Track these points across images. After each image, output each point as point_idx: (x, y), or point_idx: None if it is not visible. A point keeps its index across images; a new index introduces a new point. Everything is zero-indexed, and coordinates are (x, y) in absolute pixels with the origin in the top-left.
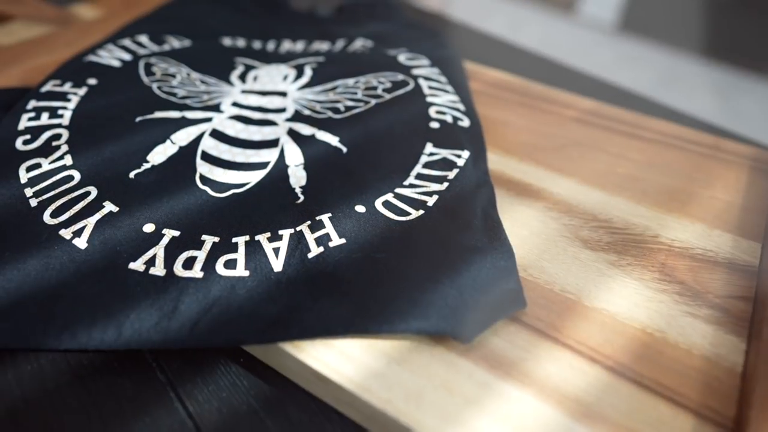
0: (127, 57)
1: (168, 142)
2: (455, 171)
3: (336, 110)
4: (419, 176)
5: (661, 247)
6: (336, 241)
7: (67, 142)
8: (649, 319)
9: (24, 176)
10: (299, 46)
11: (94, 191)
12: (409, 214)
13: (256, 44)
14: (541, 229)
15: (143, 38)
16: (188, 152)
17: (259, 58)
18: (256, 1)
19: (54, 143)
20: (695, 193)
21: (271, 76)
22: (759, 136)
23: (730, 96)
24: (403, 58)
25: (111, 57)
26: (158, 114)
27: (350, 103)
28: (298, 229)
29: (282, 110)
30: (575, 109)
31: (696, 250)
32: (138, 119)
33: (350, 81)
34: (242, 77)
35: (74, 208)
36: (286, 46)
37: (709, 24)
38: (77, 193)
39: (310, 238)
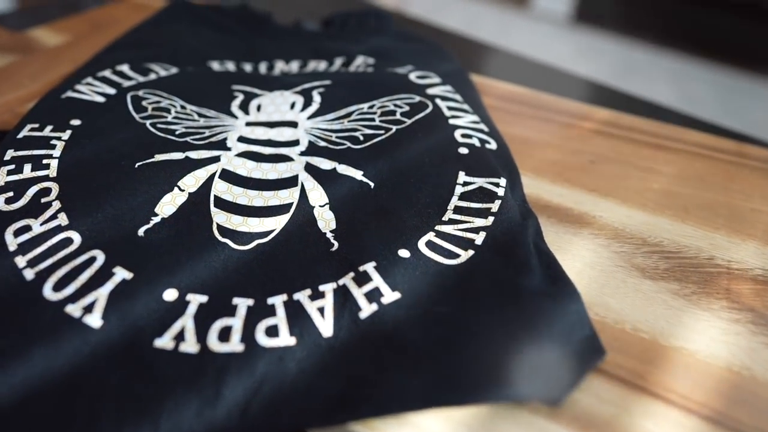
0: (111, 91)
1: (176, 189)
2: (498, 202)
3: (354, 140)
4: (458, 210)
5: (720, 270)
6: (389, 296)
7: (58, 197)
8: (731, 355)
9: (12, 242)
10: (294, 66)
11: (100, 256)
12: (458, 255)
13: (247, 67)
14: (594, 260)
15: (124, 68)
16: (200, 199)
17: (255, 83)
18: (237, 18)
19: (43, 200)
20: (736, 206)
21: (277, 104)
22: (715, 119)
23: (684, 83)
24: (413, 76)
25: (92, 92)
26: (159, 157)
27: (369, 131)
28: (340, 283)
29: (295, 143)
30: (592, 120)
31: (756, 270)
32: (137, 165)
33: (364, 106)
34: (243, 107)
35: (80, 278)
36: (280, 66)
37: (660, 12)
38: (81, 260)
39: (358, 293)
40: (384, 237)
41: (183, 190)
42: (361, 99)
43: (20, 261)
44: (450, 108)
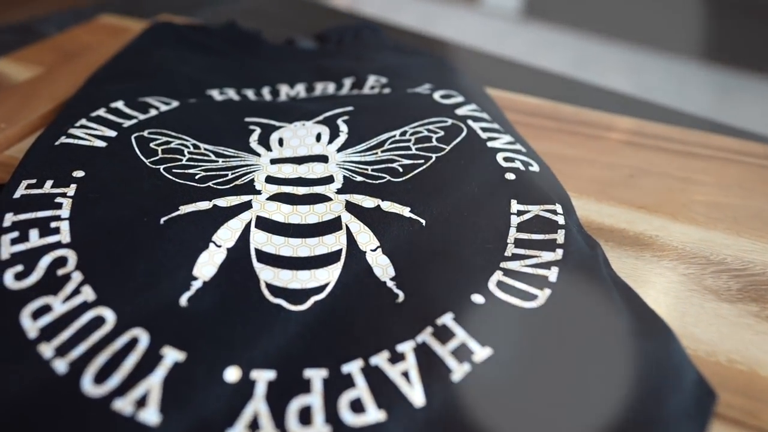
0: (111, 133)
1: (212, 246)
2: (561, 232)
3: (394, 172)
4: (519, 243)
5: None
6: (480, 353)
7: (78, 267)
8: None
9: (32, 327)
10: (299, 90)
11: (142, 335)
12: (535, 296)
13: (250, 93)
14: (665, 286)
15: (119, 105)
16: (240, 255)
17: (269, 114)
18: (226, 38)
19: (60, 272)
20: None
21: (300, 137)
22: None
23: (639, 73)
24: (438, 96)
25: (90, 136)
26: (184, 208)
27: (407, 162)
28: (419, 340)
29: (329, 180)
30: (617, 130)
31: None
32: (163, 220)
33: (396, 133)
34: (263, 143)
35: (124, 365)
36: (285, 91)
37: (610, 3)
38: (121, 343)
39: (444, 352)
40: (451, 281)
41: (220, 246)
42: (391, 126)
43: (46, 350)
44: (483, 129)
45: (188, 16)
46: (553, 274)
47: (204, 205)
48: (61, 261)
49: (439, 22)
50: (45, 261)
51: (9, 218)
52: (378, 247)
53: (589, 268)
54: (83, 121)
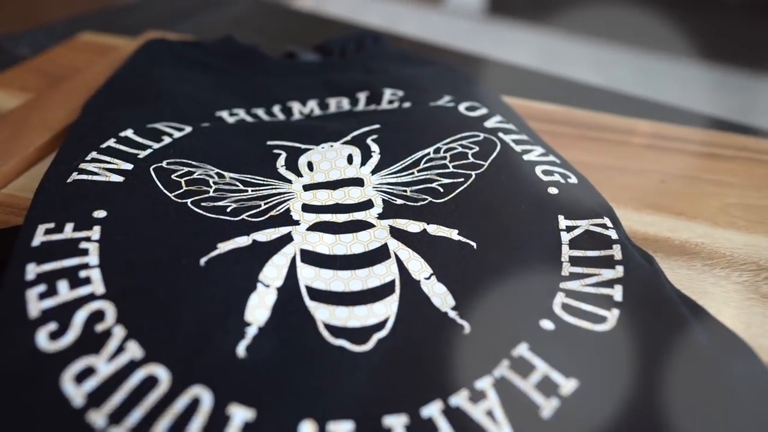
0: (127, 166)
1: (260, 286)
2: (617, 248)
3: (435, 192)
4: (574, 261)
5: None
6: (566, 385)
7: (119, 321)
8: None
9: (77, 393)
10: (312, 107)
11: (205, 394)
12: (604, 318)
13: (260, 112)
14: (724, 297)
15: (129, 133)
16: (291, 294)
17: (291, 136)
18: (223, 53)
19: (99, 327)
20: None
21: (330, 159)
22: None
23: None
24: (463, 109)
25: (104, 170)
26: (223, 246)
27: (446, 181)
28: (497, 375)
29: (368, 204)
30: (637, 134)
31: None
32: (203, 261)
33: (429, 151)
34: (292, 167)
35: (189, 430)
36: (297, 108)
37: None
38: (181, 404)
39: (527, 386)
40: (515, 307)
41: (268, 286)
42: (423, 143)
43: (97, 418)
44: (515, 142)
45: (168, 29)
46: (617, 293)
47: (243, 240)
48: (99, 315)
49: (404, 22)
50: (80, 316)
51: (32, 270)
52: (432, 275)
53: (653, 284)
54: (94, 154)
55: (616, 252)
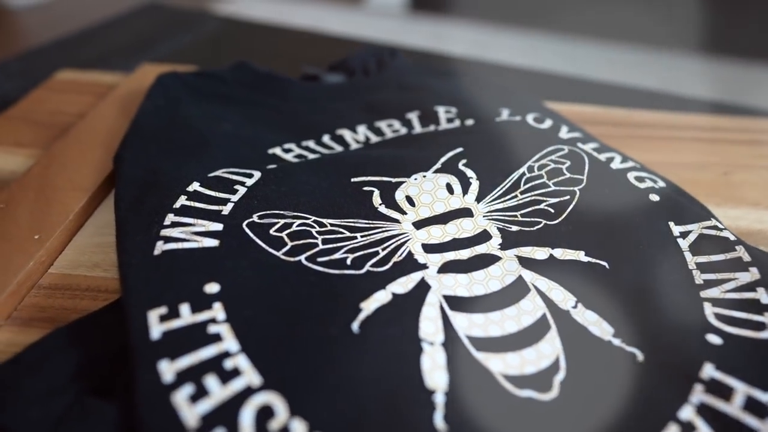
0: (216, 226)
1: (425, 346)
2: (740, 248)
3: (546, 214)
4: (703, 268)
5: None
6: None
7: (293, 413)
8: None
9: None
10: (366, 133)
11: None
12: (764, 324)
13: (311, 144)
14: None
15: (197, 187)
16: (457, 350)
17: (374, 170)
18: (244, 82)
19: (274, 425)
20: None
21: (429, 191)
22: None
23: (536, 57)
24: (531, 121)
25: (192, 234)
26: (366, 306)
27: (553, 200)
28: (695, 401)
29: (485, 236)
30: (687, 128)
31: None
32: (355, 326)
33: (523, 170)
34: (391, 205)
35: None
36: (350, 137)
37: None
38: None
39: (734, 410)
40: (673, 324)
41: (432, 344)
42: (512, 163)
43: None
44: (595, 150)
45: (140, 56)
46: (763, 296)
47: (383, 296)
48: (267, 411)
49: (329, 24)
50: (247, 416)
51: (168, 370)
52: (577, 302)
53: None
54: (171, 217)
55: (742, 253)
